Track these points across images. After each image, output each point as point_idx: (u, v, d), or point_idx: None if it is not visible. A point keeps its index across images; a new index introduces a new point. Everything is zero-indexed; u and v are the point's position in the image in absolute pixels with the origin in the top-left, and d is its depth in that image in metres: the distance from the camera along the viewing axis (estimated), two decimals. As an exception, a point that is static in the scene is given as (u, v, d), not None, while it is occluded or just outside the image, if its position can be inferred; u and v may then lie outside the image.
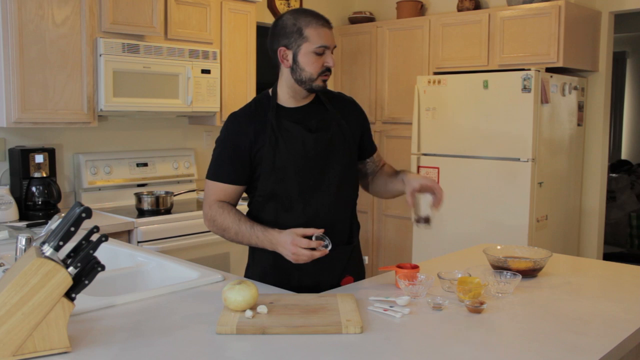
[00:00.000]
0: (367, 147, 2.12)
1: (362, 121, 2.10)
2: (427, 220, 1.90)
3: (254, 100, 2.01)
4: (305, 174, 1.92)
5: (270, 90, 2.00)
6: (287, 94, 1.96)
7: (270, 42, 1.94)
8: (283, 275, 1.95)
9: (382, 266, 4.26)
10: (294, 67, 1.90)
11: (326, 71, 1.90)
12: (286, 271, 1.94)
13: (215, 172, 1.95)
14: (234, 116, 1.97)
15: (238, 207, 1.98)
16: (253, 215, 1.98)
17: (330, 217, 1.92)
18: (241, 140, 1.91)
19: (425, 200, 1.91)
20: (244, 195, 2.02)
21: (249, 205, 2.02)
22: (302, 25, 1.87)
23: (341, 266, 2.01)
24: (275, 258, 1.93)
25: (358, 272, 2.08)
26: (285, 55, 1.90)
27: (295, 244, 1.77)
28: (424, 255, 4.15)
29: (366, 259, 2.16)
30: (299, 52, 1.88)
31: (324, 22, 1.90)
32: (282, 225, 1.88)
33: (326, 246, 1.78)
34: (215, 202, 1.93)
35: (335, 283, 1.96)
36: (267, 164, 1.90)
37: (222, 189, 1.94)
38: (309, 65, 1.88)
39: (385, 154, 4.71)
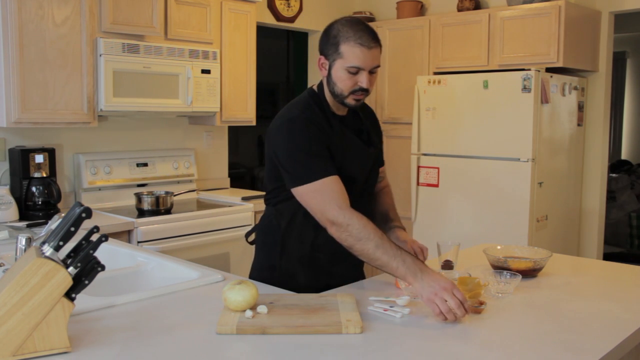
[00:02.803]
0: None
1: (381, 134, 2.13)
2: (450, 267, 2.02)
3: (306, 104, 1.89)
4: (354, 184, 1.89)
5: (309, 93, 1.92)
6: (330, 102, 1.91)
7: (319, 44, 1.90)
8: (312, 277, 1.93)
9: (382, 266, 4.25)
10: (329, 79, 1.86)
11: (359, 91, 1.82)
12: (317, 272, 1.94)
13: (322, 168, 1.76)
14: (307, 120, 1.82)
15: (257, 206, 1.92)
16: (287, 216, 1.91)
17: None
18: (323, 142, 1.82)
19: (451, 247, 2.05)
20: (261, 193, 1.97)
21: (275, 205, 1.94)
22: (340, 40, 1.79)
23: (360, 269, 2.07)
24: (310, 257, 1.92)
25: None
26: (323, 64, 1.87)
27: (454, 296, 1.55)
28: (424, 255, 4.15)
29: None
30: (334, 66, 1.83)
31: (366, 40, 1.77)
32: (320, 229, 1.79)
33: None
34: (347, 205, 1.73)
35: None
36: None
37: (339, 183, 1.77)
38: (340, 82, 1.82)
39: (385, 154, 4.69)
